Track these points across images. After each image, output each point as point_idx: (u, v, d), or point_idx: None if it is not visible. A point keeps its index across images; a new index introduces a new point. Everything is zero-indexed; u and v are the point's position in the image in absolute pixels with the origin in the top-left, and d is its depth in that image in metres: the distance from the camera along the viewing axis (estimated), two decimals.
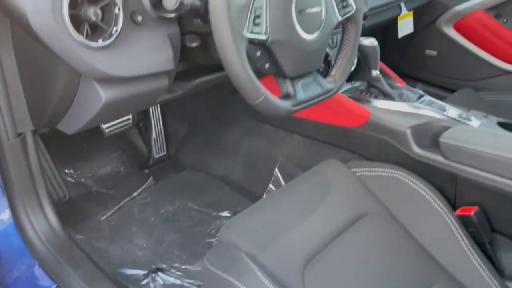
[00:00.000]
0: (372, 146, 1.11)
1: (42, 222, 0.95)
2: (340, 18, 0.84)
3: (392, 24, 1.58)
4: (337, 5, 0.82)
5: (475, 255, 0.89)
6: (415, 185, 0.99)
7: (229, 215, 1.24)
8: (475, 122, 1.05)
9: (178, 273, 1.06)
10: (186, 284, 1.05)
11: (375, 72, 1.17)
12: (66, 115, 0.85)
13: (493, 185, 0.92)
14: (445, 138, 0.98)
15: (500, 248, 0.98)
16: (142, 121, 1.44)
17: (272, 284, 0.72)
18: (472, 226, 0.96)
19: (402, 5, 1.51)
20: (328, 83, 0.86)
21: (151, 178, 1.36)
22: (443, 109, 1.08)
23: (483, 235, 0.95)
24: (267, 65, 0.76)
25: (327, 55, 1.12)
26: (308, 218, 0.87)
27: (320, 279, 0.78)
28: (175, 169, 1.44)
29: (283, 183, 1.26)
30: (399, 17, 1.55)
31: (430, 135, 1.03)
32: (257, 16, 0.69)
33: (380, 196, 0.98)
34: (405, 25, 1.57)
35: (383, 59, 1.22)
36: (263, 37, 0.70)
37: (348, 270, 0.82)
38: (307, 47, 0.77)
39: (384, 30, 1.74)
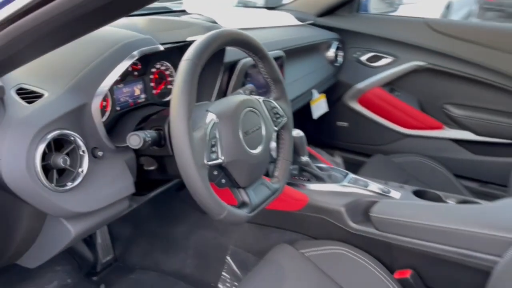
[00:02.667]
0: (314, 225, 1.23)
1: None
2: (276, 129, 0.98)
3: (306, 106, 1.79)
4: (272, 119, 0.96)
5: None
6: (356, 257, 1.12)
7: None
8: (395, 193, 1.23)
9: None
10: None
11: (305, 158, 1.32)
12: (28, 251, 0.86)
13: (421, 249, 1.08)
14: (374, 213, 1.14)
15: None
16: None
17: None
18: (409, 287, 1.10)
19: (314, 91, 1.73)
20: (274, 184, 0.98)
21: (103, 286, 1.34)
22: (366, 185, 1.25)
23: None
24: (223, 181, 0.85)
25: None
26: None
27: None
28: (125, 272, 1.43)
29: (236, 269, 1.33)
30: (311, 101, 1.76)
31: (361, 210, 1.18)
32: (213, 145, 0.79)
33: (329, 272, 1.08)
34: (320, 106, 1.79)
35: (306, 133, 1.38)
36: (219, 161, 0.80)
37: None
38: (255, 160, 0.89)
39: (302, 110, 1.96)
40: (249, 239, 1.34)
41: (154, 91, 1.08)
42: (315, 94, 1.73)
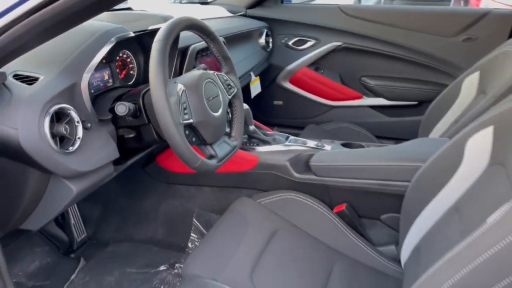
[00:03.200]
0: (265, 180, 1.47)
1: None
2: (229, 97, 1.20)
3: (246, 87, 2.03)
4: (225, 89, 1.18)
5: (354, 236, 1.30)
6: (302, 200, 1.37)
7: (166, 267, 1.45)
8: (327, 147, 1.51)
9: None
10: None
11: (252, 127, 1.56)
12: (31, 215, 1.00)
13: (351, 186, 1.37)
14: (313, 162, 1.41)
15: (366, 227, 1.42)
16: None
17: None
18: (346, 217, 1.38)
19: (251, 73, 1.97)
20: (232, 141, 1.20)
21: (82, 259, 1.48)
22: (304, 143, 1.52)
23: (354, 221, 1.39)
24: (194, 139, 1.06)
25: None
26: (241, 243, 1.17)
27: (263, 278, 1.08)
28: (100, 247, 1.57)
29: (202, 229, 1.53)
30: (250, 83, 2.00)
31: (302, 162, 1.44)
32: (184, 108, 1.00)
33: (282, 214, 1.33)
34: (256, 87, 2.04)
35: None
36: (191, 121, 1.01)
37: (276, 267, 1.13)
38: (217, 121, 1.10)
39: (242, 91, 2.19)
40: (211, 201, 1.55)
41: (119, 76, 1.25)
42: (253, 76, 1.97)
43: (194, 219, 1.55)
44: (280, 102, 2.33)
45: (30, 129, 0.83)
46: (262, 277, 1.08)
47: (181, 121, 0.98)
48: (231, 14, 2.10)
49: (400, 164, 1.32)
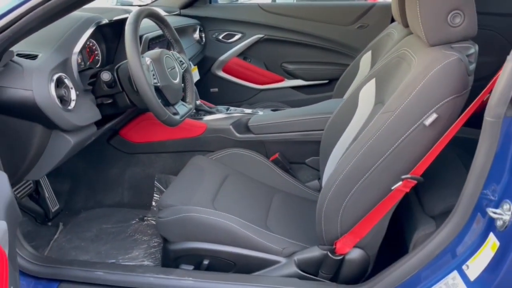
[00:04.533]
0: (214, 143, 1.81)
1: None
2: (182, 71, 1.53)
3: None
4: (179, 64, 1.51)
5: (286, 176, 1.67)
6: (245, 153, 1.73)
7: (136, 221, 1.72)
8: (261, 112, 1.89)
9: (125, 261, 1.51)
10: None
11: (198, 102, 1.89)
12: (35, 165, 1.25)
13: (281, 138, 1.75)
14: (251, 123, 1.78)
15: (296, 169, 1.82)
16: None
17: (203, 209, 1.31)
18: (279, 163, 1.77)
19: (190, 63, 2.30)
20: (188, 104, 1.53)
21: (60, 224, 1.70)
22: (243, 110, 1.89)
23: (286, 166, 1.78)
24: (160, 100, 1.37)
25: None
26: (201, 183, 1.48)
27: (221, 204, 1.40)
28: (74, 214, 1.81)
29: (163, 189, 1.83)
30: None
31: (243, 125, 1.81)
32: (153, 74, 1.31)
33: (230, 165, 1.68)
34: (195, 75, 2.37)
35: None
36: (159, 84, 1.33)
37: (230, 198, 1.45)
38: (176, 86, 1.43)
39: None
40: (170, 165, 1.85)
41: (89, 60, 1.52)
42: (191, 65, 2.31)
43: (155, 182, 1.84)
44: (216, 89, 2.68)
45: (42, 90, 1.11)
46: (220, 203, 1.41)
47: (152, 82, 1.29)
48: (167, 14, 2.41)
49: (316, 117, 1.73)
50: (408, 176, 1.06)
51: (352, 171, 1.12)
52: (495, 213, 0.91)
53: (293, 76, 2.65)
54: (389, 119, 1.07)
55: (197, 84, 2.44)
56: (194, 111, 1.89)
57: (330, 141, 1.56)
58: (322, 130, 1.63)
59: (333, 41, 2.52)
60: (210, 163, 1.64)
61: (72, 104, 1.21)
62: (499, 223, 0.91)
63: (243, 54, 2.63)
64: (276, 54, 2.63)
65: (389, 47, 1.84)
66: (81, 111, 1.25)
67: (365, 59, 2.14)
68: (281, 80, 2.66)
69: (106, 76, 1.30)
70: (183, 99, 1.56)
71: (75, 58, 1.25)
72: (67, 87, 1.20)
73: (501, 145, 0.92)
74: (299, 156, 1.81)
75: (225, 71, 2.64)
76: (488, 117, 0.91)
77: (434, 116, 1.01)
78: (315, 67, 2.60)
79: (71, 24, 1.25)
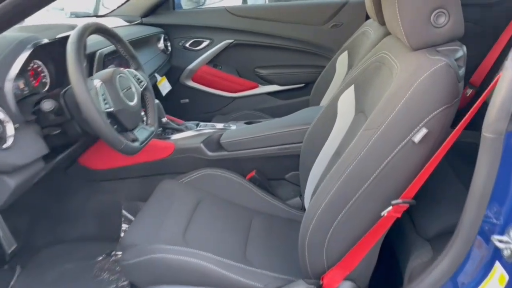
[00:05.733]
0: (184, 164, 1.66)
1: None
2: (141, 89, 1.37)
3: (154, 88, 2.19)
4: (136, 83, 1.35)
5: (265, 195, 1.53)
6: (218, 173, 1.58)
7: (103, 257, 1.56)
8: (233, 126, 1.75)
9: None
10: None
11: (164, 119, 1.73)
12: None
13: (257, 154, 1.61)
14: (223, 140, 1.63)
15: (275, 186, 1.68)
16: None
17: (172, 247, 1.16)
18: (257, 181, 1.62)
19: (156, 75, 2.14)
20: (150, 127, 1.37)
21: (18, 267, 1.52)
22: (213, 126, 1.74)
23: (264, 184, 1.63)
24: (116, 126, 1.21)
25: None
26: (170, 214, 1.34)
27: (193, 236, 1.26)
28: (33, 252, 1.63)
29: (132, 218, 1.66)
30: (157, 83, 2.17)
31: (215, 141, 1.66)
32: (104, 99, 1.15)
33: (202, 187, 1.53)
34: (165, 86, 2.21)
35: None
36: (111, 109, 1.17)
37: (203, 227, 1.31)
38: (133, 109, 1.27)
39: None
40: (137, 191, 1.69)
41: (34, 84, 1.35)
42: (158, 77, 2.14)
43: (123, 211, 1.68)
44: (187, 100, 2.52)
45: None
46: (193, 235, 1.26)
47: (103, 109, 1.13)
48: (128, 24, 2.24)
49: (293, 129, 1.60)
50: (399, 201, 0.94)
51: (335, 197, 0.99)
52: (501, 241, 0.79)
53: (267, 81, 2.51)
54: (372, 137, 0.94)
55: (167, 95, 2.29)
56: (160, 129, 1.73)
57: (310, 155, 1.44)
58: (301, 142, 1.50)
59: (306, 42, 2.39)
60: (180, 188, 1.49)
61: (10, 141, 1.04)
62: (506, 252, 0.79)
63: (213, 62, 2.48)
64: (248, 60, 2.48)
65: (366, 47, 1.72)
66: (22, 147, 1.08)
67: (342, 60, 2.02)
68: (255, 87, 2.51)
69: (47, 105, 1.13)
70: (144, 121, 1.40)
71: (10, 86, 1.07)
72: (1, 122, 1.03)
73: (503, 163, 0.80)
74: (278, 172, 1.67)
75: (195, 80, 2.48)
76: (487, 133, 0.79)
77: (424, 131, 0.89)
78: (289, 70, 2.47)
79: (1, 49, 1.08)
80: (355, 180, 0.97)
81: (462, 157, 1.15)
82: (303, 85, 2.48)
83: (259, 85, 2.52)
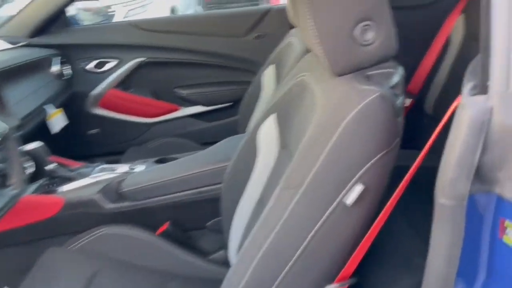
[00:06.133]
0: (76, 222, 1.31)
1: None
2: None
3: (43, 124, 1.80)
4: None
5: (182, 252, 1.24)
6: (118, 231, 1.27)
7: None
8: (140, 168, 1.43)
9: None
10: None
11: (51, 166, 1.38)
12: None
13: (170, 202, 1.31)
14: (125, 188, 1.31)
15: (195, 238, 1.38)
16: None
17: None
18: (171, 236, 1.31)
19: (47, 107, 1.76)
20: (11, 191, 1.02)
21: None
22: (113, 169, 1.41)
23: (181, 237, 1.33)
24: None
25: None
26: None
27: None
28: None
29: None
30: (46, 118, 1.78)
31: (115, 191, 1.33)
32: None
33: (100, 252, 1.21)
34: (57, 121, 1.83)
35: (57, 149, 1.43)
36: None
37: None
38: None
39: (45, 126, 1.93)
40: (16, 263, 1.32)
41: None
42: (49, 110, 1.77)
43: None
44: (95, 130, 2.16)
45: None
46: None
47: None
48: (12, 46, 1.86)
49: (211, 168, 1.31)
50: (334, 286, 0.70)
51: (254, 280, 0.73)
52: None
53: (190, 102, 2.20)
54: (292, 200, 0.70)
55: (67, 129, 1.92)
56: (45, 179, 1.37)
57: (232, 198, 1.17)
58: (220, 183, 1.22)
59: (229, 56, 2.11)
60: (68, 259, 1.17)
61: None
62: None
63: (123, 84, 2.13)
64: (165, 79, 2.17)
65: (292, 62, 1.48)
66: None
67: (268, 76, 1.77)
68: (176, 109, 2.20)
69: None
70: (2, 183, 1.05)
71: None
72: None
73: (468, 235, 0.57)
74: (197, 221, 1.38)
75: (103, 106, 2.12)
76: (443, 198, 0.55)
77: (358, 188, 0.65)
78: (213, 89, 2.18)
79: None
80: (277, 258, 0.72)
81: (417, 194, 0.92)
82: (230, 103, 2.20)
83: (181, 107, 2.21)
